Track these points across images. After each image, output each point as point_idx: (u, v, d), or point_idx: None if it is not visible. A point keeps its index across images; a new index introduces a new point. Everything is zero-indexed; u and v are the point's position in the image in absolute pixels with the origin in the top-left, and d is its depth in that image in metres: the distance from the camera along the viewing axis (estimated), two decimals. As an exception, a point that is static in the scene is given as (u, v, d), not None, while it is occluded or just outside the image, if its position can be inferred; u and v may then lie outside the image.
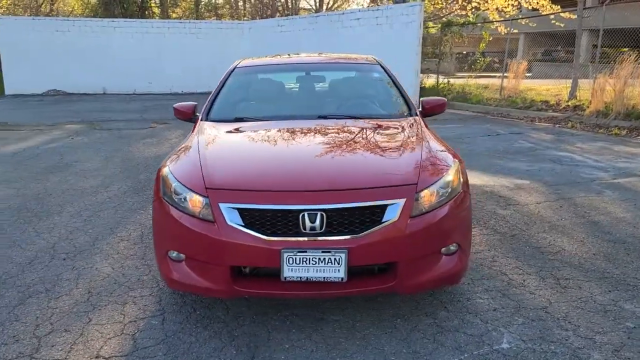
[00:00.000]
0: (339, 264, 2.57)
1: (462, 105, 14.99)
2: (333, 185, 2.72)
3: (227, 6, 29.85)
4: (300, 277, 2.60)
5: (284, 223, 2.61)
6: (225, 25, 23.02)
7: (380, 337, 2.79)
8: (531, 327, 2.88)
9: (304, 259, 2.58)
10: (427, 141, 3.34)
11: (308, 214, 2.59)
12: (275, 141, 3.38)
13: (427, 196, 2.79)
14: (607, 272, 3.59)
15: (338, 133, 3.47)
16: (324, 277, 2.60)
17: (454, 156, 3.25)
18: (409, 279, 2.73)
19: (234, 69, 4.44)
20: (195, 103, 4.11)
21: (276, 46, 20.71)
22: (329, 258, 2.57)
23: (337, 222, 2.62)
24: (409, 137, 3.38)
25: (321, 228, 2.59)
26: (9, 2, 26.10)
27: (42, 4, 26.10)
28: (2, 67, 20.44)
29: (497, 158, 7.63)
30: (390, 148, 3.19)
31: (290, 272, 2.59)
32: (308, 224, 2.59)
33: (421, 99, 4.20)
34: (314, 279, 2.61)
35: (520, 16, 20.22)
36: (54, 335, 2.82)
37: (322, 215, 2.59)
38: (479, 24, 17.89)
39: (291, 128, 3.58)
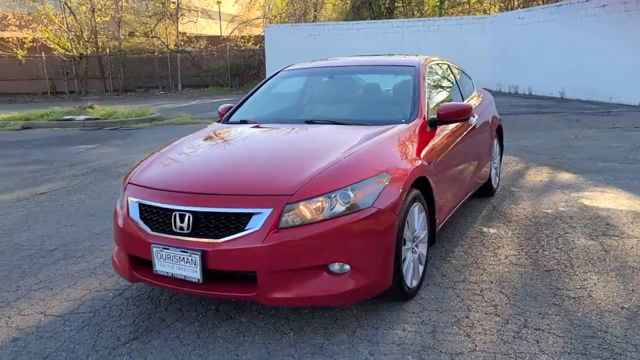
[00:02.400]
0: (195, 264, 2.69)
1: None
2: (204, 189, 2.83)
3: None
4: (167, 272, 2.80)
5: (164, 220, 2.83)
6: (465, 21, 22.51)
7: (255, 345, 2.79)
8: (409, 371, 2.52)
9: (168, 256, 2.77)
10: (372, 150, 3.11)
11: (179, 214, 2.76)
12: (223, 145, 3.55)
13: (308, 208, 2.67)
14: (600, 333, 2.81)
15: (288, 139, 3.46)
16: (184, 276, 2.75)
17: (395, 171, 2.98)
18: (272, 291, 2.67)
19: (277, 73, 4.66)
20: (231, 105, 4.47)
21: (514, 41, 19.51)
22: (187, 258, 2.70)
23: (203, 224, 2.72)
24: (347, 145, 3.17)
25: (188, 228, 2.74)
26: (282, 11, 30.05)
27: (304, 12, 29.26)
28: (266, 67, 23.70)
29: (680, 177, 6.13)
30: (306, 156, 3.08)
31: (159, 266, 2.81)
32: (178, 223, 2.76)
33: (441, 104, 3.81)
34: (177, 276, 2.77)
35: None
36: (38, 292, 3.55)
37: (189, 216, 2.73)
38: None
39: (259, 133, 3.70)
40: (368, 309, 3.15)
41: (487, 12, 27.72)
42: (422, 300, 3.24)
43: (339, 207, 2.73)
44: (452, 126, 4.01)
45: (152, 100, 21.90)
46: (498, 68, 20.67)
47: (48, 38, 25.74)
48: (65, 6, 25.90)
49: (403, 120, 3.62)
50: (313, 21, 28.85)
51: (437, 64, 4.62)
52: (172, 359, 2.70)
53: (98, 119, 12.86)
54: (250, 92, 4.53)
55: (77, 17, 26.46)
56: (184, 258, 2.72)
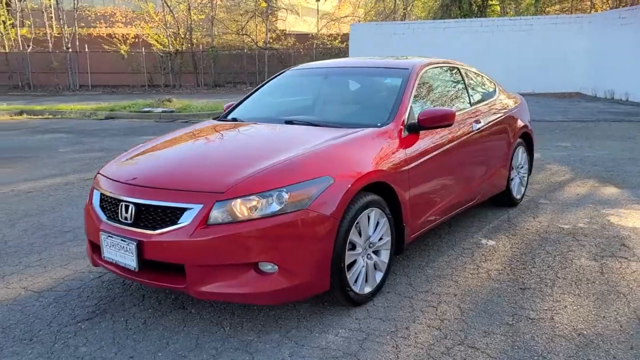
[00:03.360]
0: (132, 253, 2.84)
1: None
2: (148, 183, 2.98)
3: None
4: (112, 259, 2.98)
5: (115, 210, 3.02)
6: (561, 20, 21.24)
7: (189, 335, 2.91)
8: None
9: (112, 243, 2.95)
10: (321, 153, 3.13)
11: (125, 204, 2.94)
12: (190, 141, 3.69)
13: (240, 206, 2.74)
14: (538, 358, 2.64)
15: (252, 138, 3.56)
16: (124, 263, 2.91)
17: (341, 175, 2.96)
18: (200, 284, 2.76)
19: (282, 72, 4.73)
20: (232, 103, 4.61)
21: (613, 43, 18.16)
22: (126, 246, 2.87)
23: (144, 216, 2.88)
24: (303, 147, 3.18)
25: (130, 219, 2.90)
26: (370, 9, 29.99)
27: (393, 10, 28.99)
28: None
29: None
30: (256, 156, 3.13)
31: (107, 252, 3.01)
32: (123, 213, 2.94)
33: (422, 110, 3.71)
34: (119, 263, 2.94)
35: None
36: (33, 269, 3.88)
37: (132, 207, 2.90)
38: None
39: (231, 131, 3.85)
40: (314, 311, 3.16)
41: (596, 9, 25.96)
42: (372, 307, 3.20)
43: (273, 207, 2.76)
44: (442, 131, 3.88)
45: (239, 95, 22.66)
46: (594, 71, 19.36)
47: (148, 35, 27.47)
48: (165, 5, 27.47)
49: (379, 124, 3.57)
50: (402, 20, 28.53)
51: (441, 68, 4.48)
52: (109, 340, 2.88)
53: (173, 111, 13.61)
54: (253, 90, 4.66)
55: (175, 15, 27.98)
56: (123, 246, 2.88)
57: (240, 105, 4.48)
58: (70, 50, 27.74)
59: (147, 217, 2.87)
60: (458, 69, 4.65)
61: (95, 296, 3.42)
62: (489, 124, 4.58)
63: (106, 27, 29.01)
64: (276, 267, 2.77)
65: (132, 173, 3.20)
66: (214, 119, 4.42)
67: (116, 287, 3.56)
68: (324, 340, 2.83)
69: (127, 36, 28.00)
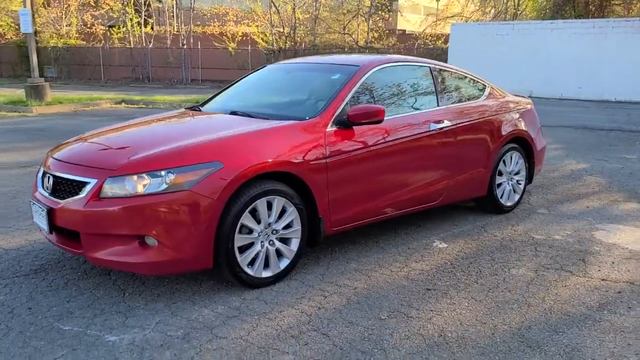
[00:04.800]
0: (44, 218, 3.27)
1: None
2: (67, 158, 3.41)
3: None
4: (37, 223, 3.44)
5: (44, 181, 3.48)
6: (692, 21, 19.21)
7: (92, 298, 3.28)
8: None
9: (35, 210, 3.42)
10: (219, 140, 3.36)
11: (47, 176, 3.38)
12: (134, 126, 4.04)
13: (129, 183, 3.06)
14: (378, 352, 2.68)
15: (182, 125, 3.88)
16: (42, 227, 3.35)
17: (232, 162, 3.17)
18: (93, 250, 3.12)
19: (259, 69, 4.98)
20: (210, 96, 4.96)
21: None
22: (41, 212, 3.31)
23: (58, 187, 3.30)
24: (209, 133, 3.45)
25: (49, 189, 3.33)
26: (478, 8, 29.01)
27: (504, 9, 27.80)
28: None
29: None
30: (165, 140, 3.43)
31: (34, 217, 3.48)
32: (45, 183, 3.38)
33: (352, 107, 3.77)
34: (40, 227, 3.39)
35: None
36: (19, 231, 4.47)
37: (51, 179, 3.34)
38: None
39: (178, 118, 4.19)
40: (212, 288, 3.40)
41: None
42: (266, 291, 3.37)
43: (161, 187, 3.04)
44: (386, 128, 3.91)
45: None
46: None
47: (254, 33, 28.81)
48: (272, 5, 28.65)
49: (306, 117, 3.70)
50: (512, 20, 27.33)
51: (404, 66, 4.46)
52: (26, 293, 3.33)
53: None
54: (232, 82, 4.97)
55: (281, 15, 29.07)
56: (40, 212, 3.33)
57: (216, 96, 4.81)
58: (185, 46, 29.86)
59: (61, 188, 3.28)
60: (429, 68, 4.60)
61: (47, 257, 3.91)
62: (458, 125, 4.48)
63: (219, 26, 30.84)
64: (156, 241, 3.04)
65: (63, 151, 3.63)
66: (186, 108, 4.79)
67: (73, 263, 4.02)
68: (197, 314, 3.06)
69: (235, 34, 29.57)
